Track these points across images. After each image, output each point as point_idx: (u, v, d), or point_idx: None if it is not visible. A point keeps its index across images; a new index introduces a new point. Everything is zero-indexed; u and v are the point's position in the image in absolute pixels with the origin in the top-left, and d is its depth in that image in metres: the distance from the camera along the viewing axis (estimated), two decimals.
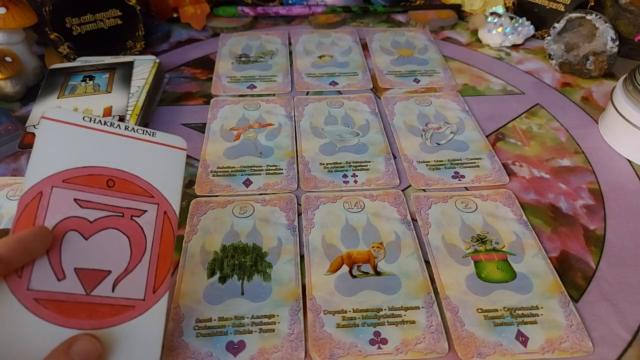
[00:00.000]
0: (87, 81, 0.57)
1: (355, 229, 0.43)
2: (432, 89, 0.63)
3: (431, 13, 0.79)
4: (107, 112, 0.52)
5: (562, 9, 0.70)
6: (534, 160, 0.52)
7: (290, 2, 0.80)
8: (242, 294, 0.38)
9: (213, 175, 0.49)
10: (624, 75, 0.54)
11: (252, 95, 0.61)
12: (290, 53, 0.70)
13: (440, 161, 0.51)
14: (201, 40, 0.74)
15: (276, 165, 0.50)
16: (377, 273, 0.39)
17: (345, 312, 0.37)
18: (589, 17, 0.62)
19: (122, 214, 0.31)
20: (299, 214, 0.45)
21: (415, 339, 0.35)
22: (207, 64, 0.68)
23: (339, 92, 0.62)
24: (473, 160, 0.51)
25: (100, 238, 0.29)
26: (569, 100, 0.61)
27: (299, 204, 0.46)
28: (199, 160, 0.50)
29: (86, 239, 0.29)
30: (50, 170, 0.29)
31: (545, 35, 0.67)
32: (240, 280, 0.39)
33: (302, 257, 0.41)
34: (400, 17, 0.81)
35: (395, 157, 0.51)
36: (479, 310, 0.37)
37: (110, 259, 0.29)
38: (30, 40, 0.64)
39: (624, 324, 0.36)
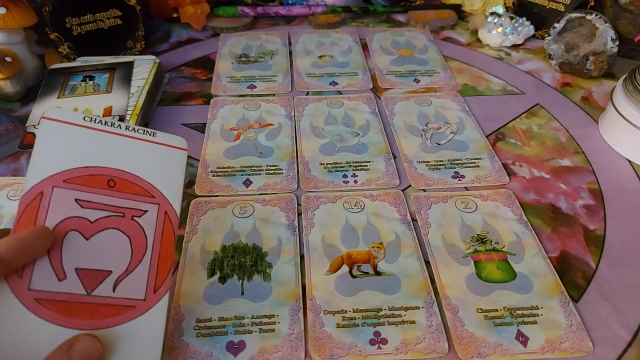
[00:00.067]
0: (87, 81, 0.57)
1: (355, 229, 0.43)
2: (432, 89, 0.63)
3: (431, 13, 0.79)
4: (107, 112, 0.52)
5: (562, 9, 0.70)
6: (534, 160, 0.52)
7: (290, 2, 0.80)
8: (242, 294, 0.38)
9: (213, 175, 0.49)
10: (624, 75, 0.54)
11: (252, 95, 0.61)
12: (290, 53, 0.70)
13: (440, 161, 0.51)
14: (201, 40, 0.74)
15: (276, 165, 0.50)
16: (377, 273, 0.40)
17: (345, 312, 0.37)
18: (589, 17, 0.62)
19: (122, 214, 0.31)
20: (299, 214, 0.45)
21: (415, 339, 0.35)
22: (207, 64, 0.68)
23: (339, 92, 0.62)
24: (473, 160, 0.51)
25: (101, 238, 0.29)
26: (569, 100, 0.61)
27: (299, 204, 0.46)
28: (199, 160, 0.50)
29: (87, 239, 0.29)
30: (51, 170, 0.29)
31: (545, 35, 0.67)
32: (240, 280, 0.39)
33: (302, 257, 0.41)
34: (400, 17, 0.81)
35: (395, 157, 0.51)
36: (479, 310, 0.37)
37: (111, 259, 0.29)
38: (30, 40, 0.64)
39: (624, 324, 0.36)
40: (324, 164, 0.50)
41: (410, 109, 0.59)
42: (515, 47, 0.72)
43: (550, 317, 0.36)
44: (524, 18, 0.71)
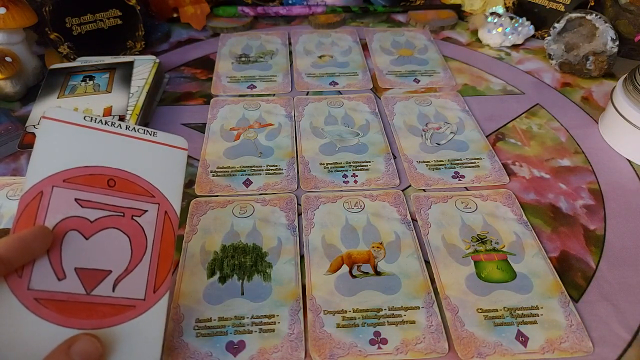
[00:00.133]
0: (87, 81, 0.57)
1: (355, 229, 0.43)
2: (432, 89, 0.63)
3: (431, 13, 0.79)
4: (107, 112, 0.52)
5: (562, 9, 0.70)
6: (534, 160, 0.52)
7: (290, 2, 0.80)
8: (242, 294, 0.38)
9: (213, 175, 0.49)
10: (624, 75, 0.54)
11: (252, 95, 0.61)
12: (290, 53, 0.70)
13: (440, 161, 0.51)
14: (201, 40, 0.74)
15: (276, 165, 0.50)
16: (377, 273, 0.40)
17: (345, 312, 0.37)
18: (589, 17, 0.62)
19: (122, 214, 0.31)
20: (299, 214, 0.45)
21: (415, 339, 0.35)
22: (207, 64, 0.68)
23: (339, 92, 0.62)
24: (473, 160, 0.51)
25: (101, 238, 0.29)
26: (569, 100, 0.61)
27: (299, 204, 0.46)
28: (199, 160, 0.50)
29: (87, 239, 0.29)
30: (51, 170, 0.29)
31: (545, 35, 0.67)
32: (240, 280, 0.39)
33: (302, 257, 0.41)
34: (400, 17, 0.81)
35: (395, 157, 0.51)
36: (479, 310, 0.37)
37: (110, 258, 0.29)
38: (30, 40, 0.64)
39: (624, 324, 0.36)
40: (324, 164, 0.50)
41: (410, 109, 0.59)
42: (515, 47, 0.72)
43: (550, 317, 0.36)
44: (524, 18, 0.71)
